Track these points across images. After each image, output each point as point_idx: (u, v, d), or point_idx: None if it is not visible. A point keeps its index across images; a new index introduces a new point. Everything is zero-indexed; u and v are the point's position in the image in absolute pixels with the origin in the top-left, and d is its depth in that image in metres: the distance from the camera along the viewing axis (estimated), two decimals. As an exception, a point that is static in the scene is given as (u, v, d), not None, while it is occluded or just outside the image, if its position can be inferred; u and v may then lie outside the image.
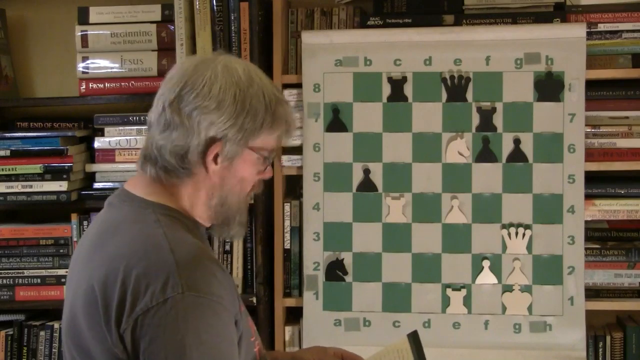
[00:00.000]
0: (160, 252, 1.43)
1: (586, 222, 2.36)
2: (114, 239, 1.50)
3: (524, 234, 2.35)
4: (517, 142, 2.35)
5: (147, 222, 1.50)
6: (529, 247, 2.35)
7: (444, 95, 2.37)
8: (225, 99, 1.49)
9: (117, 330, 1.41)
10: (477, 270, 2.37)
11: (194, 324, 1.39)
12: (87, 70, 2.49)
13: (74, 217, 2.52)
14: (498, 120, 2.36)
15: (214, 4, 2.42)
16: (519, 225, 2.36)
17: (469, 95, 2.37)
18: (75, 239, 2.51)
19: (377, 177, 2.40)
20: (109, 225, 1.54)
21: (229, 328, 1.45)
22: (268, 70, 2.36)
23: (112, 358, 1.43)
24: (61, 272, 2.52)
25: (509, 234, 2.36)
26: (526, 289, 2.35)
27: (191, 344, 1.38)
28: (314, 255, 2.42)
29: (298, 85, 2.42)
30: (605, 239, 2.43)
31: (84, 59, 2.49)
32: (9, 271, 2.53)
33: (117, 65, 2.48)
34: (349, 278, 2.40)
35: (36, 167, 2.48)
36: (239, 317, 1.50)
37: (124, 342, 1.41)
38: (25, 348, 2.55)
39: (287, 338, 2.45)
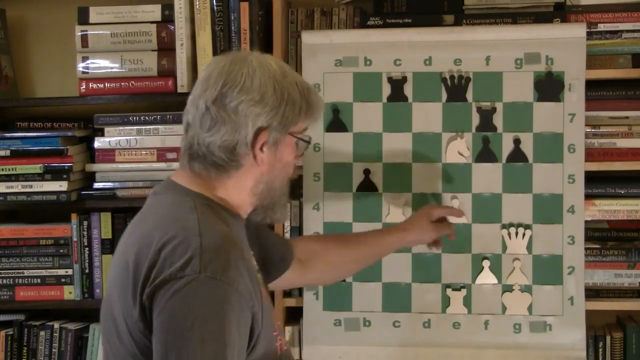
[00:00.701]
0: (189, 235, 1.52)
1: (586, 222, 2.36)
2: (150, 219, 1.61)
3: (524, 234, 2.35)
4: (517, 142, 2.36)
5: (184, 207, 1.59)
6: (529, 247, 2.35)
7: (444, 95, 2.37)
8: (267, 91, 1.60)
9: (140, 302, 1.51)
10: (477, 270, 2.37)
11: (202, 301, 1.46)
12: (87, 70, 2.49)
13: (74, 217, 2.52)
14: (498, 120, 2.36)
15: (214, 4, 2.42)
16: (519, 225, 2.36)
17: (469, 95, 2.37)
18: (75, 239, 2.52)
19: (377, 177, 2.40)
20: (149, 209, 1.66)
21: (238, 314, 1.50)
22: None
23: (137, 335, 1.53)
24: (61, 272, 2.53)
25: (509, 234, 2.36)
26: (526, 289, 2.35)
27: (194, 321, 1.45)
28: (314, 255, 2.42)
29: (298, 85, 2.42)
30: (605, 239, 2.43)
31: (84, 59, 2.49)
32: (9, 271, 2.53)
33: (117, 65, 2.48)
34: (349, 278, 2.40)
35: (36, 167, 2.48)
36: (258, 308, 1.56)
37: (145, 312, 1.51)
38: (25, 348, 2.55)
39: (287, 338, 2.45)
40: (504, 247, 2.36)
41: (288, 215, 1.79)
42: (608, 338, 2.40)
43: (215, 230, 1.55)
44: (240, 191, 1.65)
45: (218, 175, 1.63)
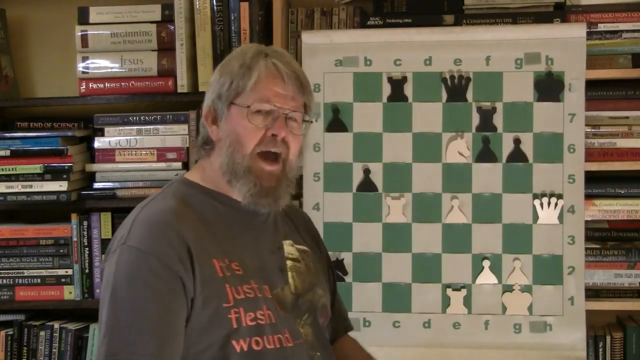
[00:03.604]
0: (134, 213, 1.68)
1: (586, 222, 2.36)
2: None
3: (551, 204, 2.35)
4: (517, 142, 2.36)
5: (157, 193, 1.74)
6: (529, 247, 2.35)
7: (444, 95, 2.37)
8: (216, 72, 1.74)
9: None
10: (477, 270, 2.37)
11: (121, 268, 1.60)
12: (87, 70, 2.49)
13: (74, 217, 2.52)
14: (498, 120, 2.36)
15: (214, 4, 2.42)
16: (519, 225, 2.36)
17: (469, 95, 2.37)
18: (75, 239, 2.51)
19: (377, 177, 2.40)
20: None
21: (155, 278, 1.58)
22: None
23: None
24: (61, 272, 2.52)
25: (541, 204, 2.35)
26: (526, 289, 2.35)
27: (119, 288, 1.59)
28: (314, 255, 2.42)
29: (298, 85, 2.42)
30: (605, 239, 2.43)
31: (84, 59, 2.49)
32: (9, 271, 2.53)
33: (117, 65, 2.48)
34: (348, 278, 2.40)
35: (36, 167, 2.47)
36: (188, 276, 1.60)
37: None
38: (25, 348, 2.55)
39: (287, 338, 2.45)
40: (504, 247, 2.36)
41: (277, 205, 1.73)
42: (608, 338, 2.40)
43: (158, 207, 1.67)
44: (215, 167, 1.73)
45: (206, 159, 1.75)
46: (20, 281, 2.53)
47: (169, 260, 1.59)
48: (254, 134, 1.68)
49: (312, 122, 1.79)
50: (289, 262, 1.77)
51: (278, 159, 1.71)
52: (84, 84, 2.49)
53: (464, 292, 2.37)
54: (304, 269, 1.79)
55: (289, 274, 1.76)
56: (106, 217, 2.52)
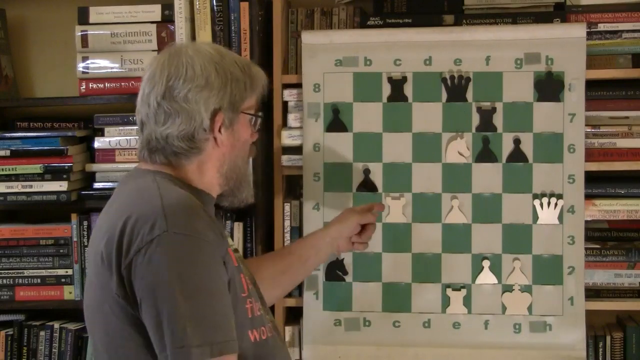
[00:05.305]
0: (150, 200, 1.59)
1: (586, 222, 2.36)
2: (116, 202, 1.68)
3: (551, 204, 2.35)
4: (517, 142, 2.36)
5: (145, 182, 1.67)
6: (529, 247, 2.35)
7: (444, 95, 2.37)
8: (210, 74, 1.68)
9: (118, 275, 1.56)
10: (477, 270, 2.37)
11: (178, 258, 1.52)
12: (87, 70, 2.49)
13: (74, 217, 2.52)
14: (498, 120, 2.36)
15: (214, 4, 2.42)
16: (519, 225, 2.36)
17: (469, 95, 2.37)
18: (75, 239, 2.51)
19: (377, 177, 2.40)
20: (115, 195, 1.74)
21: (215, 264, 1.57)
22: (268, 70, 2.35)
23: (118, 309, 1.58)
24: (61, 272, 2.53)
25: (541, 204, 2.35)
26: (526, 289, 2.35)
27: (177, 278, 1.51)
28: (314, 255, 2.42)
29: (298, 85, 2.42)
30: (605, 239, 2.43)
31: (84, 59, 2.49)
32: (9, 271, 2.53)
33: (117, 65, 2.48)
34: (349, 278, 2.40)
35: (36, 167, 2.48)
36: (228, 259, 1.62)
37: (124, 285, 1.56)
38: (25, 348, 2.55)
39: (287, 338, 2.45)
40: (504, 247, 2.36)
41: (253, 196, 1.86)
42: (608, 338, 2.40)
43: (176, 192, 1.62)
44: (203, 173, 1.73)
45: (178, 162, 1.71)
46: (20, 281, 2.53)
47: (215, 242, 1.59)
48: (249, 142, 1.80)
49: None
50: (235, 253, 1.79)
51: None
52: (83, 84, 2.50)
53: (463, 292, 2.37)
54: (242, 256, 1.87)
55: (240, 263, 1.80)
56: (106, 217, 2.52)
